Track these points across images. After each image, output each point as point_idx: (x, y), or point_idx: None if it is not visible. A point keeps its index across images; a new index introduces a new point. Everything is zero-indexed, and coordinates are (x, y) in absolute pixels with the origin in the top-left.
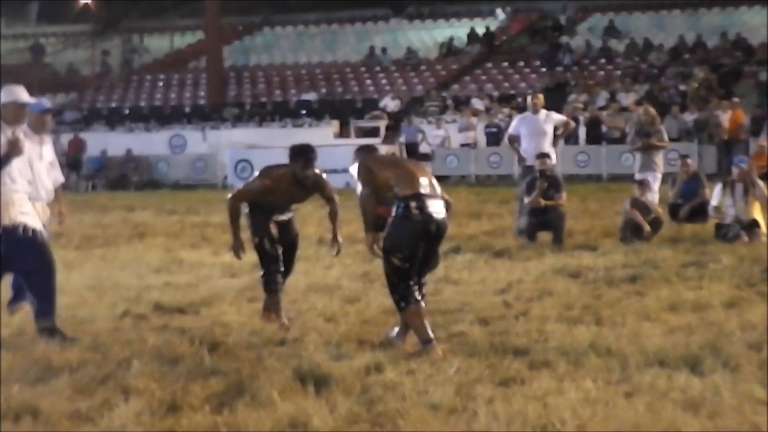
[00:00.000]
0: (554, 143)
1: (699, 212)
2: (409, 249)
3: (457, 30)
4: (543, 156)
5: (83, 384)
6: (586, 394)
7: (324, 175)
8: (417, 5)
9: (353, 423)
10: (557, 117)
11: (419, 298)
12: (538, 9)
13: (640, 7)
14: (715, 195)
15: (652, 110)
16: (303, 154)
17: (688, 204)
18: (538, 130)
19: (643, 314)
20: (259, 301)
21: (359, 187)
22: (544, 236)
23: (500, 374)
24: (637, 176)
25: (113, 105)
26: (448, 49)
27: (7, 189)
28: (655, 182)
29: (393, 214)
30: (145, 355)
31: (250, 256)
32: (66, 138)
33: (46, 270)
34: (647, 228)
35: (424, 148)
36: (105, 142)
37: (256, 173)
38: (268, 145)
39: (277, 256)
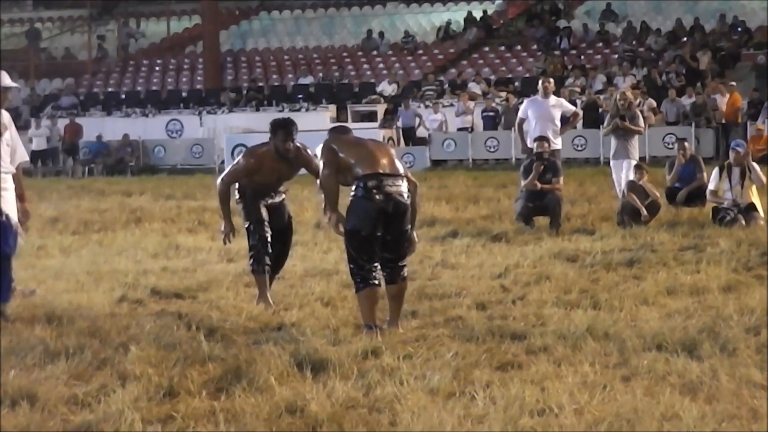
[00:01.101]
0: (561, 132)
1: (696, 196)
2: (368, 228)
3: (455, 14)
4: (541, 139)
5: (80, 369)
6: (584, 378)
7: (309, 150)
8: None
9: (351, 407)
10: (567, 105)
11: (377, 282)
12: None
13: None
14: (712, 179)
15: (630, 94)
16: (282, 127)
17: (685, 188)
18: (546, 115)
19: (641, 298)
20: (255, 285)
21: (321, 167)
22: (542, 220)
23: (498, 358)
24: (612, 163)
25: (110, 90)
26: (446, 33)
27: None
28: (630, 169)
29: (352, 194)
30: (142, 340)
31: (246, 241)
32: (62, 123)
33: (8, 257)
34: (644, 212)
35: (421, 132)
36: (102, 127)
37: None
38: (265, 129)
39: (264, 238)
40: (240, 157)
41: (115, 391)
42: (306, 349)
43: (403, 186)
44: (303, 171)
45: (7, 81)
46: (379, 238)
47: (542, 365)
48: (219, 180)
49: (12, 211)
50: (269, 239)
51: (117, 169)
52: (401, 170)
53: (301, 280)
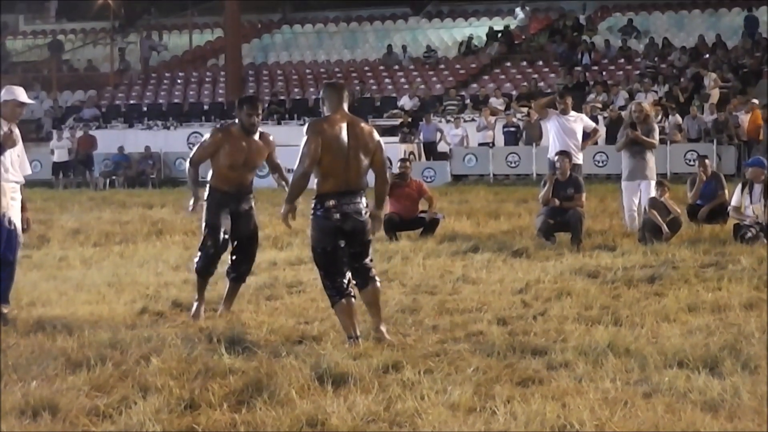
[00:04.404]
0: (582, 147)
1: (718, 213)
2: (331, 243)
3: (476, 29)
4: (563, 153)
5: (101, 381)
6: (605, 395)
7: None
8: (436, 4)
9: (371, 421)
10: (587, 121)
11: (350, 292)
12: (557, 8)
13: (659, 6)
14: (735, 195)
15: (647, 107)
16: (247, 102)
17: (707, 205)
18: (567, 129)
19: (662, 315)
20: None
21: (298, 159)
22: (563, 236)
23: (519, 374)
24: (624, 184)
25: (132, 102)
26: (467, 48)
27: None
28: (648, 191)
29: (312, 210)
30: (163, 352)
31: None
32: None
33: (14, 264)
34: (666, 228)
35: (442, 147)
36: (123, 139)
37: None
38: (287, 142)
39: (217, 245)
40: (207, 135)
41: (137, 402)
42: (327, 362)
43: (362, 203)
44: None
45: (24, 97)
46: (344, 249)
47: (563, 381)
48: (188, 162)
49: (18, 220)
50: (220, 245)
51: (138, 181)
52: (363, 184)
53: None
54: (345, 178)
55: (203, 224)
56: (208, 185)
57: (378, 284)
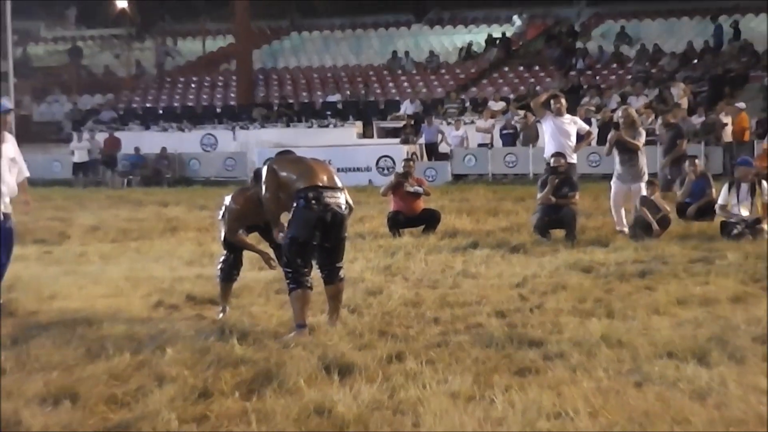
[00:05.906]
0: (575, 149)
1: (706, 211)
2: (305, 236)
3: (476, 35)
4: (558, 155)
5: (119, 370)
6: (598, 384)
7: None
8: (438, 11)
9: (376, 409)
10: (581, 124)
11: (308, 285)
12: (553, 15)
13: (650, 14)
14: (722, 194)
15: (633, 112)
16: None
17: (695, 203)
18: (562, 130)
19: (653, 308)
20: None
21: (263, 189)
22: (558, 233)
23: (516, 364)
24: (614, 181)
25: (148, 105)
26: (467, 53)
27: None
28: (639, 192)
29: (294, 205)
30: (178, 343)
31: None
32: (102, 136)
33: (7, 264)
34: (656, 226)
35: (443, 148)
36: (140, 141)
37: (227, 201)
38: (295, 144)
39: (230, 250)
40: (229, 202)
41: (153, 391)
42: (333, 353)
43: (342, 198)
44: None
45: (7, 104)
46: (316, 246)
47: (558, 371)
48: (226, 233)
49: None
50: (238, 254)
51: (154, 180)
52: (340, 184)
53: None
54: (319, 176)
55: (221, 233)
56: (225, 205)
57: (343, 283)
